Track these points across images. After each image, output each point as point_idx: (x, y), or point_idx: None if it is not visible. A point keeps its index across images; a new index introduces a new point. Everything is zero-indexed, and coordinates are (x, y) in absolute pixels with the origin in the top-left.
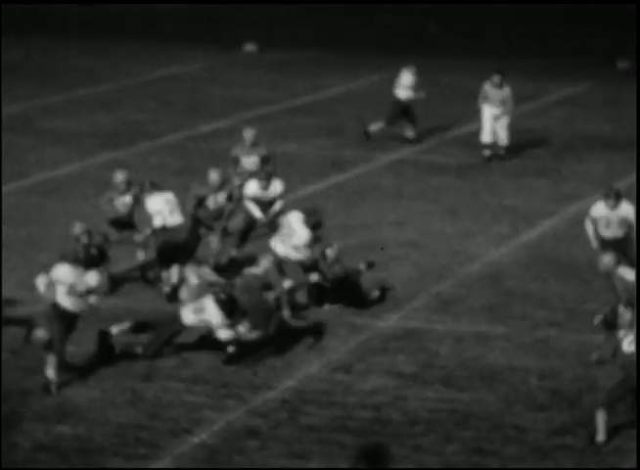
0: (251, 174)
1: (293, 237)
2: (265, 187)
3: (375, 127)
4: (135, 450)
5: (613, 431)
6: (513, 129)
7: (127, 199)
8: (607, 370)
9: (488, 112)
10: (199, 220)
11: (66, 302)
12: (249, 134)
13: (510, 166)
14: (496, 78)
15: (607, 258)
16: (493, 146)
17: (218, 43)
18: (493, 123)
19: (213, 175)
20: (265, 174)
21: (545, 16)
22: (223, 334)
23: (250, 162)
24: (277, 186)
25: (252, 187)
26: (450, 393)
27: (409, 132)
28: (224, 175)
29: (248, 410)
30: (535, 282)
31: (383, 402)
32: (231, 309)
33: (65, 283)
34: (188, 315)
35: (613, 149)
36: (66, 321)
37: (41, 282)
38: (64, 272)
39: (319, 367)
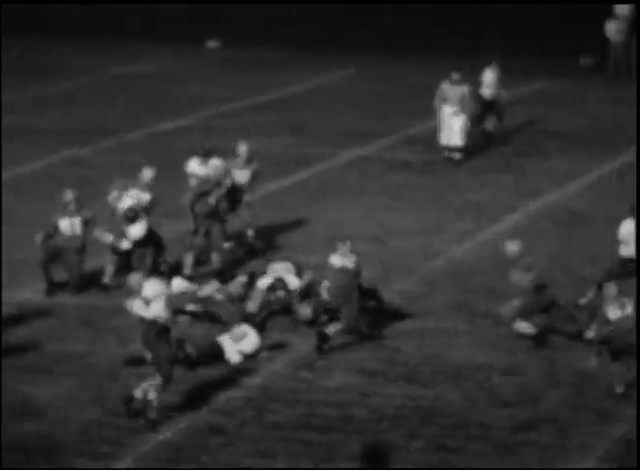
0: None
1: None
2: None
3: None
4: (99, 449)
5: (576, 427)
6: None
7: (77, 222)
8: (571, 366)
9: (446, 112)
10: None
11: (164, 315)
12: (244, 148)
13: (473, 163)
14: (455, 75)
15: (512, 246)
16: (450, 148)
17: (181, 40)
18: (450, 123)
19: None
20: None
21: (507, 12)
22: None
23: (242, 176)
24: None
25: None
26: (414, 389)
27: (489, 126)
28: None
29: (212, 408)
30: (499, 278)
31: (347, 400)
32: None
33: (160, 297)
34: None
35: (575, 145)
36: (168, 337)
37: (138, 306)
38: (156, 287)
39: (284, 365)
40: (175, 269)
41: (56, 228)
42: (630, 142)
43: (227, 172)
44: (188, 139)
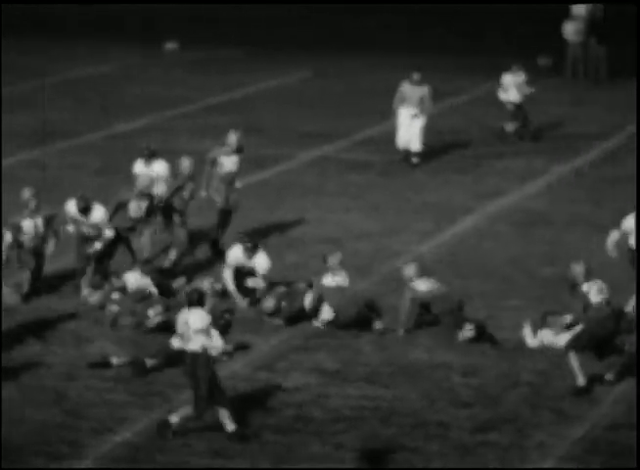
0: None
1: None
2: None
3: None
4: (58, 450)
5: (535, 427)
6: (434, 128)
7: (39, 222)
8: (530, 366)
9: (405, 114)
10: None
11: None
12: (233, 138)
13: (432, 163)
14: (416, 76)
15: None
16: (407, 151)
17: (138, 41)
18: (409, 126)
19: (143, 179)
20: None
21: (463, 13)
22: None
23: (231, 161)
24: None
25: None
26: (373, 390)
27: (510, 127)
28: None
29: (171, 409)
30: (457, 279)
31: (305, 400)
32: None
33: (203, 327)
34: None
35: (535, 145)
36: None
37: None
38: (200, 317)
39: (242, 366)
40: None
41: (19, 229)
42: (588, 142)
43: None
44: (146, 140)
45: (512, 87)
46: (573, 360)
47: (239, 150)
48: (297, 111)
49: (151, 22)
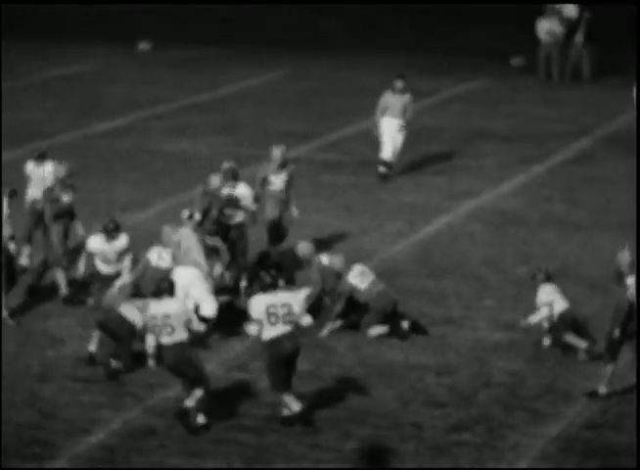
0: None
1: None
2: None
3: None
4: (32, 451)
5: (509, 428)
6: (409, 127)
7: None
8: (503, 366)
9: (388, 124)
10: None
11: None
12: (277, 153)
13: (406, 163)
14: (399, 83)
15: (304, 246)
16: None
17: (112, 42)
18: (393, 138)
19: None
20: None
21: (438, 12)
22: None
23: (280, 179)
24: None
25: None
26: (348, 390)
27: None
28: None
29: (145, 409)
30: (431, 279)
31: (279, 400)
32: None
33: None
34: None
35: (508, 145)
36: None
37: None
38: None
39: (215, 366)
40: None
41: None
42: (561, 142)
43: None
44: (123, 141)
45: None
46: (609, 370)
47: (283, 165)
48: (272, 111)
49: (123, 21)
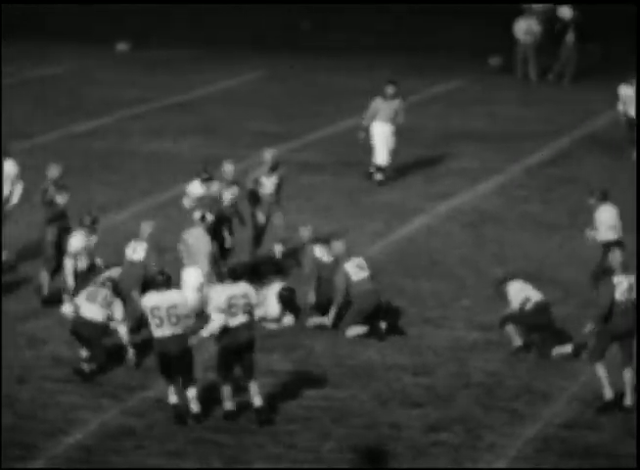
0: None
1: None
2: None
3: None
4: (10, 451)
5: (487, 428)
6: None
7: None
8: (481, 366)
9: (379, 129)
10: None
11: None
12: (268, 156)
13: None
14: (390, 89)
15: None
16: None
17: (90, 42)
18: (385, 143)
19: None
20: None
21: (416, 12)
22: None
23: (271, 182)
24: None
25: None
26: (325, 390)
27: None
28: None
29: (123, 410)
30: (409, 279)
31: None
32: None
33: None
34: None
35: (485, 146)
36: None
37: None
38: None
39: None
40: None
41: None
42: (539, 142)
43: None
44: (101, 141)
45: (627, 100)
46: (601, 371)
47: (274, 168)
48: (250, 111)
49: (102, 22)
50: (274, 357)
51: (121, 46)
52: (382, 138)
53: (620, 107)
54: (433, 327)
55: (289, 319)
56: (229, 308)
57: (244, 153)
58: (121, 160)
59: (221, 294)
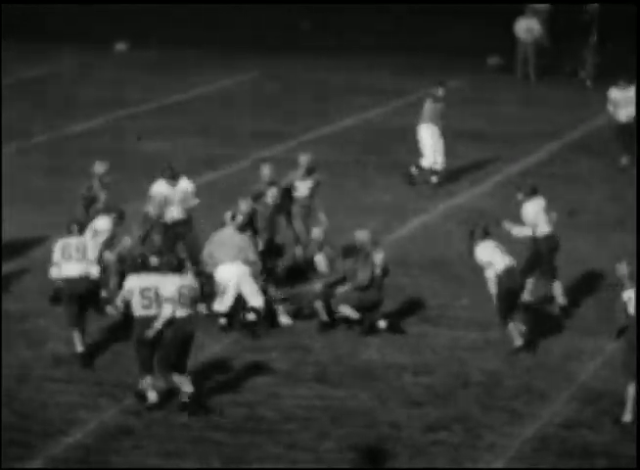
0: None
1: None
2: None
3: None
4: (9, 451)
5: (486, 427)
6: (388, 127)
7: None
8: (481, 366)
9: (429, 131)
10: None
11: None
12: (304, 159)
13: (383, 163)
14: (441, 91)
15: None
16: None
17: (88, 42)
18: (434, 145)
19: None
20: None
21: (416, 12)
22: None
23: (305, 186)
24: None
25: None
26: (324, 389)
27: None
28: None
29: (122, 409)
30: (407, 278)
31: (256, 400)
32: None
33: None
34: None
35: (483, 145)
36: None
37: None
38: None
39: (192, 365)
40: None
41: None
42: (537, 142)
43: None
44: (99, 141)
45: (618, 104)
46: (632, 391)
47: (310, 171)
48: (248, 111)
49: (100, 22)
50: (272, 356)
51: (120, 46)
52: (432, 141)
53: (611, 108)
54: (432, 326)
55: (286, 320)
56: (141, 299)
57: (240, 153)
58: (118, 159)
59: (134, 283)
